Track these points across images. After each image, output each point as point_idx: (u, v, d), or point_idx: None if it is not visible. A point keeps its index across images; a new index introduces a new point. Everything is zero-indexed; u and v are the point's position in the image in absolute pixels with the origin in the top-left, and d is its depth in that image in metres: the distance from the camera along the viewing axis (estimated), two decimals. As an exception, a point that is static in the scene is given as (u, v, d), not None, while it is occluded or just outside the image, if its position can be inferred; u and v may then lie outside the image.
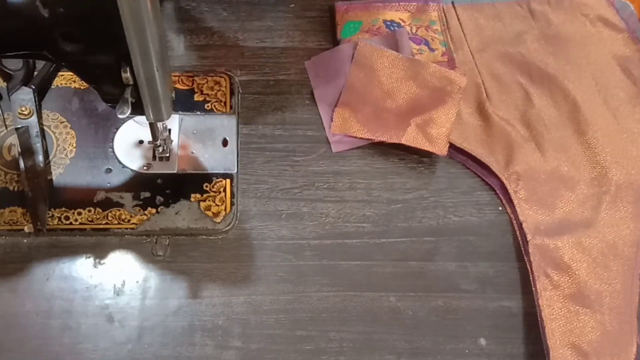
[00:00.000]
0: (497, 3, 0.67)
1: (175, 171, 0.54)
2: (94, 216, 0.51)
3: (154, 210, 0.52)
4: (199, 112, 0.57)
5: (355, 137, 0.58)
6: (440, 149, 0.55)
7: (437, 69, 0.59)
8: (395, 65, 0.60)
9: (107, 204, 0.52)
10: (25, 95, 0.50)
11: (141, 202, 0.52)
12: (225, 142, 0.56)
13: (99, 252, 0.51)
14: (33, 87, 0.50)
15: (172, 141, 0.55)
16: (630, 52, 0.64)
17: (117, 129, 0.55)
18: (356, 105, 0.59)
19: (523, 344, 0.50)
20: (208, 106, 0.58)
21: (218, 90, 0.59)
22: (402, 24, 0.65)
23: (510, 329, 0.50)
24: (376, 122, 0.58)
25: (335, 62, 0.61)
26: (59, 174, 0.53)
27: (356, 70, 0.60)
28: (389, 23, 0.65)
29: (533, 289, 0.51)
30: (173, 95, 0.47)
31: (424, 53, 0.63)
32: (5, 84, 0.50)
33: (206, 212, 0.52)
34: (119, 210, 0.52)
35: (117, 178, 0.53)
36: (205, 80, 0.59)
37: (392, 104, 0.59)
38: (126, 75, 0.41)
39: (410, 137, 0.55)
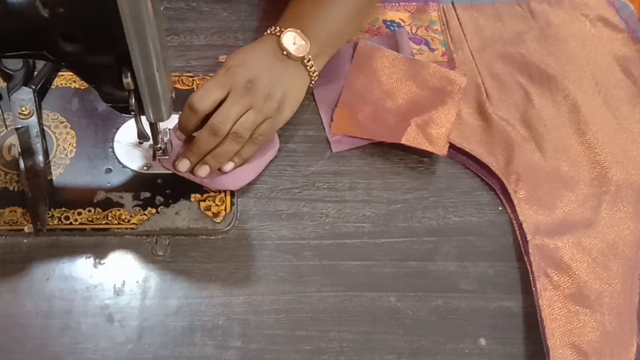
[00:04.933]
0: (497, 3, 0.67)
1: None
2: (94, 216, 0.51)
3: (154, 210, 0.52)
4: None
5: (355, 137, 0.58)
6: (440, 149, 0.55)
7: (437, 69, 0.59)
8: (395, 65, 0.60)
9: (107, 204, 0.52)
10: (25, 95, 0.50)
11: (141, 202, 0.52)
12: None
13: (99, 252, 0.51)
14: (33, 87, 0.50)
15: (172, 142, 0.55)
16: (630, 52, 0.64)
17: (117, 129, 0.55)
18: (356, 105, 0.59)
19: (523, 344, 0.50)
20: (208, 106, 0.58)
21: (218, 91, 0.58)
22: (402, 24, 0.65)
23: (510, 329, 0.50)
24: (376, 122, 0.58)
25: (335, 62, 0.61)
26: (59, 174, 0.53)
27: (356, 70, 0.60)
28: (388, 23, 0.65)
29: (533, 289, 0.51)
30: (173, 95, 0.47)
31: (424, 53, 0.63)
32: (5, 84, 0.50)
33: (206, 212, 0.52)
34: (119, 210, 0.52)
35: (117, 178, 0.53)
36: (206, 81, 0.59)
37: (392, 104, 0.59)
38: (127, 80, 0.41)
39: (410, 137, 0.55)
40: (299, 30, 0.54)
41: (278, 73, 0.53)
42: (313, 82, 0.56)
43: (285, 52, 0.54)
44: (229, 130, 0.51)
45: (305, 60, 0.54)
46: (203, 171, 0.52)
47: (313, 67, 0.55)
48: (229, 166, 0.53)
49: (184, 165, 0.52)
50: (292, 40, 0.54)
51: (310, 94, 0.60)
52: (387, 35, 0.63)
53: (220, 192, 0.53)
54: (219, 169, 0.53)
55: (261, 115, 0.52)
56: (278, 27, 0.55)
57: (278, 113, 0.53)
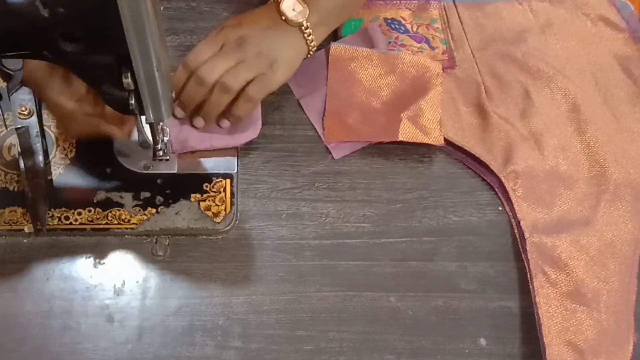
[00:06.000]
0: (498, 2, 0.67)
1: (175, 171, 0.54)
2: (94, 216, 0.51)
3: (154, 210, 0.52)
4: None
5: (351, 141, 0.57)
6: (436, 139, 0.55)
7: (412, 58, 0.60)
8: (371, 62, 0.60)
9: (107, 204, 0.52)
10: (25, 95, 0.50)
11: (141, 202, 0.52)
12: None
13: (99, 252, 0.51)
14: (33, 87, 0.50)
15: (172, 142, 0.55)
16: (630, 52, 0.64)
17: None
18: (344, 111, 0.58)
19: (523, 344, 0.50)
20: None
21: (218, 90, 0.58)
22: (403, 21, 0.65)
23: (510, 329, 0.51)
24: (368, 124, 0.57)
25: (312, 70, 0.60)
26: (59, 174, 0.53)
27: (334, 74, 0.60)
28: (389, 21, 0.65)
29: (530, 286, 0.51)
30: (173, 95, 0.47)
31: (425, 51, 0.63)
32: (5, 84, 0.50)
33: (206, 212, 0.52)
34: (119, 210, 0.52)
35: (117, 178, 0.53)
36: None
37: (378, 102, 0.59)
38: (127, 80, 0.41)
39: (405, 132, 0.55)
40: None
41: (273, 36, 0.53)
42: (311, 53, 0.56)
43: (283, 17, 0.54)
44: (216, 82, 0.51)
45: (304, 27, 0.54)
46: (198, 122, 0.54)
47: (311, 37, 0.54)
48: (224, 123, 0.54)
49: (178, 112, 0.53)
50: (291, 6, 0.54)
51: (297, 104, 0.60)
52: (359, 33, 0.63)
53: (221, 186, 0.54)
54: (219, 125, 0.54)
55: (252, 71, 0.52)
56: None
57: (271, 71, 0.52)
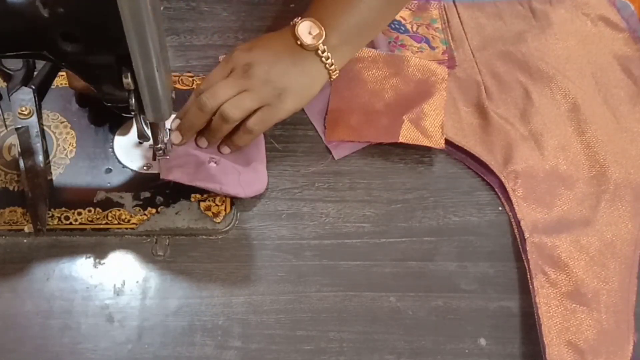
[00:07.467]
0: (498, 2, 0.67)
1: (175, 171, 0.54)
2: (94, 216, 0.51)
3: (154, 210, 0.52)
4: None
5: (352, 141, 0.57)
6: (437, 142, 0.55)
7: (418, 62, 0.60)
8: (376, 63, 0.60)
9: (107, 204, 0.52)
10: (25, 95, 0.50)
11: (141, 202, 0.52)
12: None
13: (99, 252, 0.51)
14: (33, 87, 0.50)
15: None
16: (630, 52, 0.64)
17: (117, 129, 0.55)
18: (346, 110, 0.58)
19: (523, 344, 0.50)
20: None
21: (218, 90, 0.58)
22: (403, 21, 0.65)
23: (510, 329, 0.50)
24: (369, 125, 0.57)
25: None
26: (59, 174, 0.53)
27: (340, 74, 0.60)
28: (389, 21, 0.65)
29: (530, 286, 0.51)
30: (173, 95, 0.47)
31: (425, 51, 0.63)
32: (5, 84, 0.50)
33: (206, 212, 0.52)
34: (119, 210, 0.52)
35: (117, 178, 0.53)
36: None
37: (381, 103, 0.59)
38: (127, 80, 0.41)
39: (406, 134, 0.55)
40: (315, 19, 0.50)
41: (285, 63, 0.50)
42: (332, 77, 0.52)
43: (299, 42, 0.50)
44: (218, 109, 0.49)
45: (320, 51, 0.50)
46: (201, 142, 0.52)
47: (330, 60, 0.51)
48: (224, 150, 0.53)
49: (176, 137, 0.51)
50: (307, 29, 0.50)
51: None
52: None
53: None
54: (219, 150, 0.53)
55: (257, 100, 0.49)
56: (299, 18, 0.51)
57: (278, 101, 0.50)
